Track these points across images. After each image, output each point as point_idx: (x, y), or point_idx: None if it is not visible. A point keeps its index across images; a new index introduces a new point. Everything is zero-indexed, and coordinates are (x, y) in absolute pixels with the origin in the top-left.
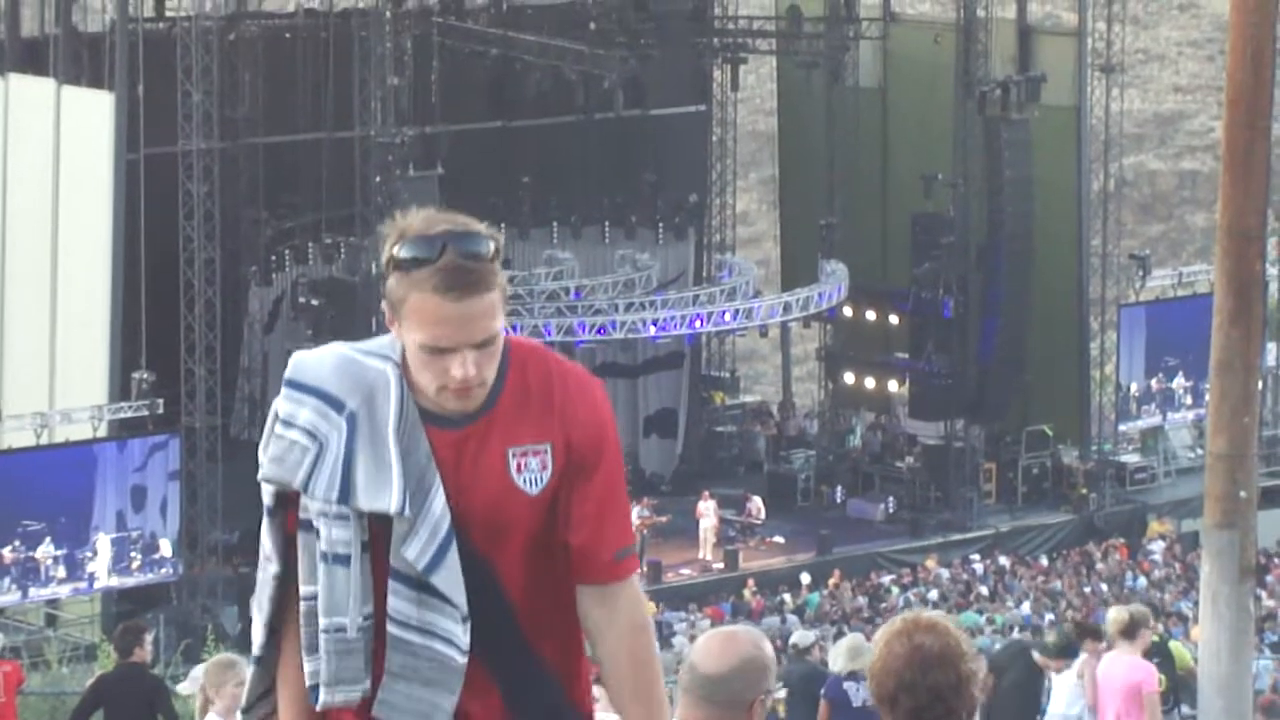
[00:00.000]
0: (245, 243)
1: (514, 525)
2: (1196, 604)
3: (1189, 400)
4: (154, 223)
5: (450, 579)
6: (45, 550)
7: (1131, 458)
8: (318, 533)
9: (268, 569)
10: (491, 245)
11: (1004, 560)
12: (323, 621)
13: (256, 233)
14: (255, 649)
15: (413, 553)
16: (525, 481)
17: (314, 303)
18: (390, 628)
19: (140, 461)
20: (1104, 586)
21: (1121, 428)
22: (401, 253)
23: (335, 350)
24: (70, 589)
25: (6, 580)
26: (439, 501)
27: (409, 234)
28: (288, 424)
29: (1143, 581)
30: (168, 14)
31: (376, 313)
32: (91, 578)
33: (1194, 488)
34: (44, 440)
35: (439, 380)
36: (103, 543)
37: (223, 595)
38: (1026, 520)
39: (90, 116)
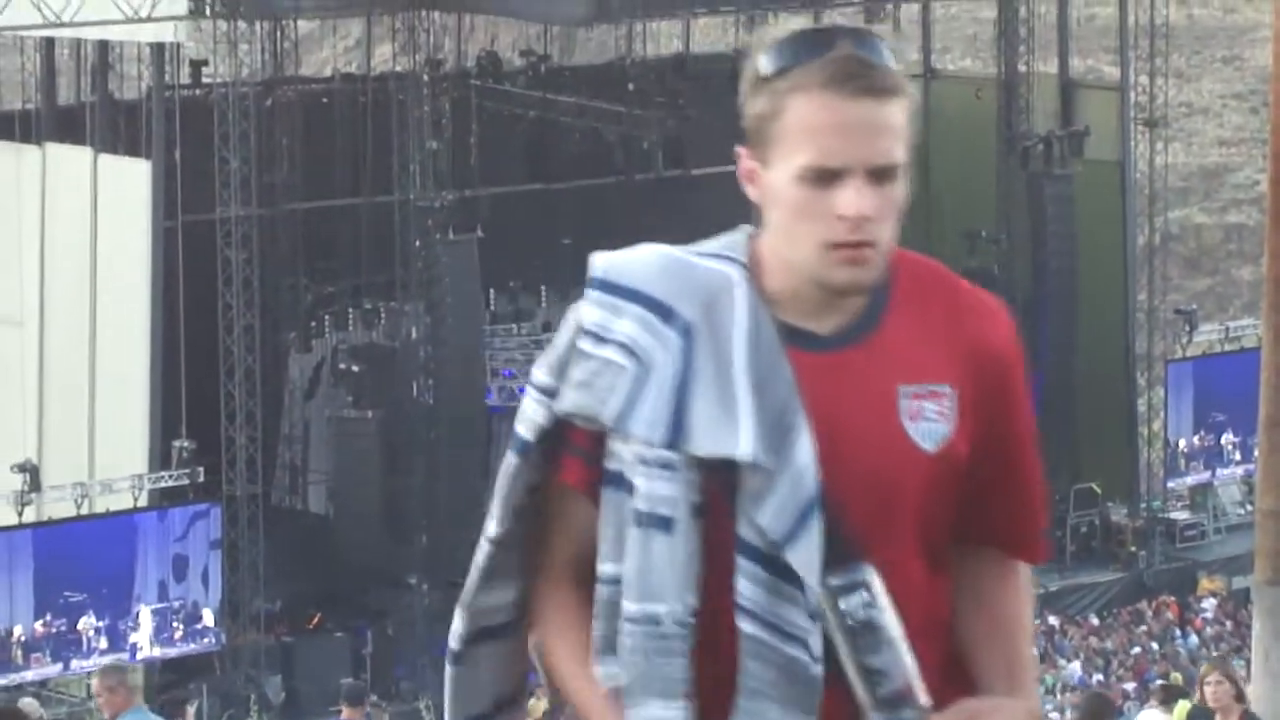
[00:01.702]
0: (285, 309)
1: (903, 494)
2: (1249, 662)
3: (1238, 456)
4: (192, 290)
5: (808, 557)
6: (87, 621)
7: (1181, 515)
8: (631, 488)
9: (488, 531)
10: (894, 55)
11: (1053, 620)
12: (630, 608)
13: (296, 299)
14: (454, 642)
15: (767, 516)
16: (921, 434)
17: (355, 369)
18: (742, 623)
19: (181, 531)
20: (1155, 645)
21: (1170, 484)
22: (772, 60)
23: (655, 248)
24: (112, 660)
25: (48, 652)
26: (804, 449)
27: (779, 38)
28: (599, 337)
29: (1194, 640)
30: (204, 80)
31: (418, 378)
32: (134, 648)
33: (1244, 544)
34: (84, 510)
35: (822, 231)
36: (145, 613)
37: (266, 665)
38: (1075, 579)
39: (127, 184)
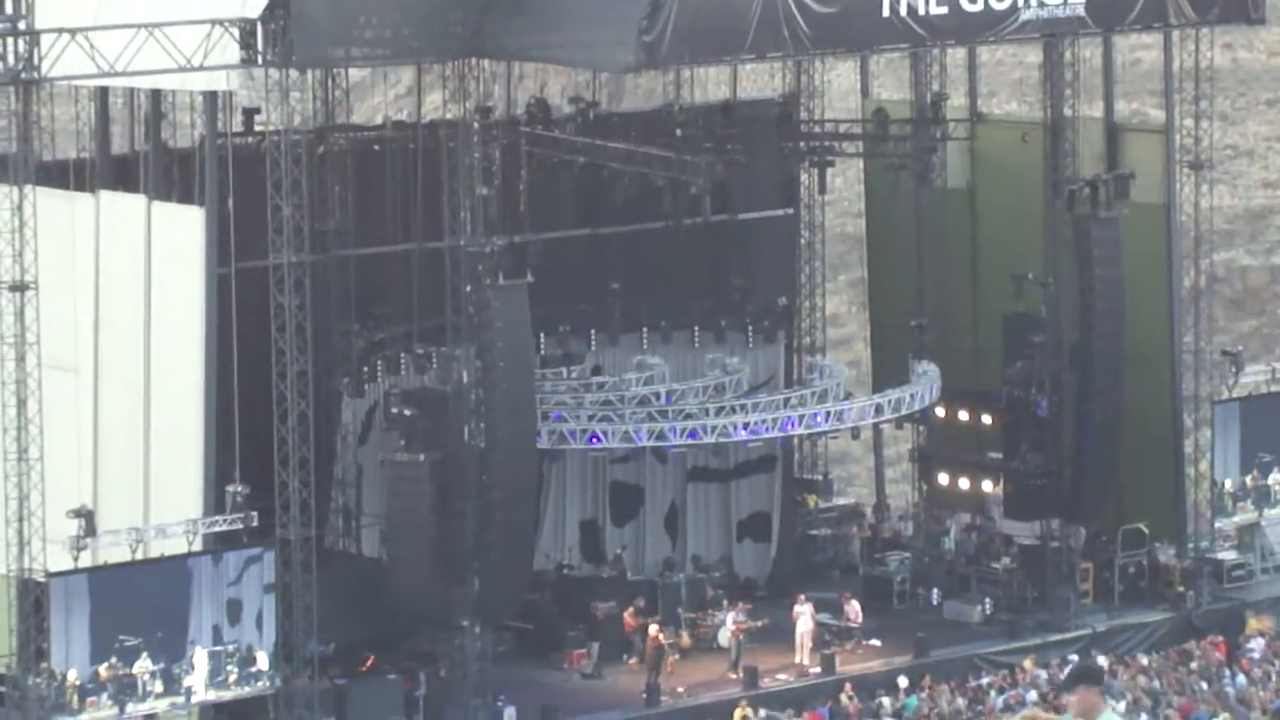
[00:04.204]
0: (337, 354)
1: None
2: None
3: None
4: (246, 336)
5: None
6: (142, 665)
7: (1228, 555)
8: None
9: None
10: None
11: (1102, 660)
12: None
13: (348, 344)
14: None
15: None
16: None
17: (407, 413)
18: None
19: (235, 575)
20: (1203, 684)
21: (1217, 525)
22: None
23: None
24: (168, 703)
25: (104, 695)
26: None
27: None
28: None
29: (1242, 679)
30: (256, 128)
31: (469, 422)
32: (189, 691)
33: None
34: (139, 555)
35: None
36: (199, 656)
37: (319, 707)
38: (1124, 619)
39: (181, 232)
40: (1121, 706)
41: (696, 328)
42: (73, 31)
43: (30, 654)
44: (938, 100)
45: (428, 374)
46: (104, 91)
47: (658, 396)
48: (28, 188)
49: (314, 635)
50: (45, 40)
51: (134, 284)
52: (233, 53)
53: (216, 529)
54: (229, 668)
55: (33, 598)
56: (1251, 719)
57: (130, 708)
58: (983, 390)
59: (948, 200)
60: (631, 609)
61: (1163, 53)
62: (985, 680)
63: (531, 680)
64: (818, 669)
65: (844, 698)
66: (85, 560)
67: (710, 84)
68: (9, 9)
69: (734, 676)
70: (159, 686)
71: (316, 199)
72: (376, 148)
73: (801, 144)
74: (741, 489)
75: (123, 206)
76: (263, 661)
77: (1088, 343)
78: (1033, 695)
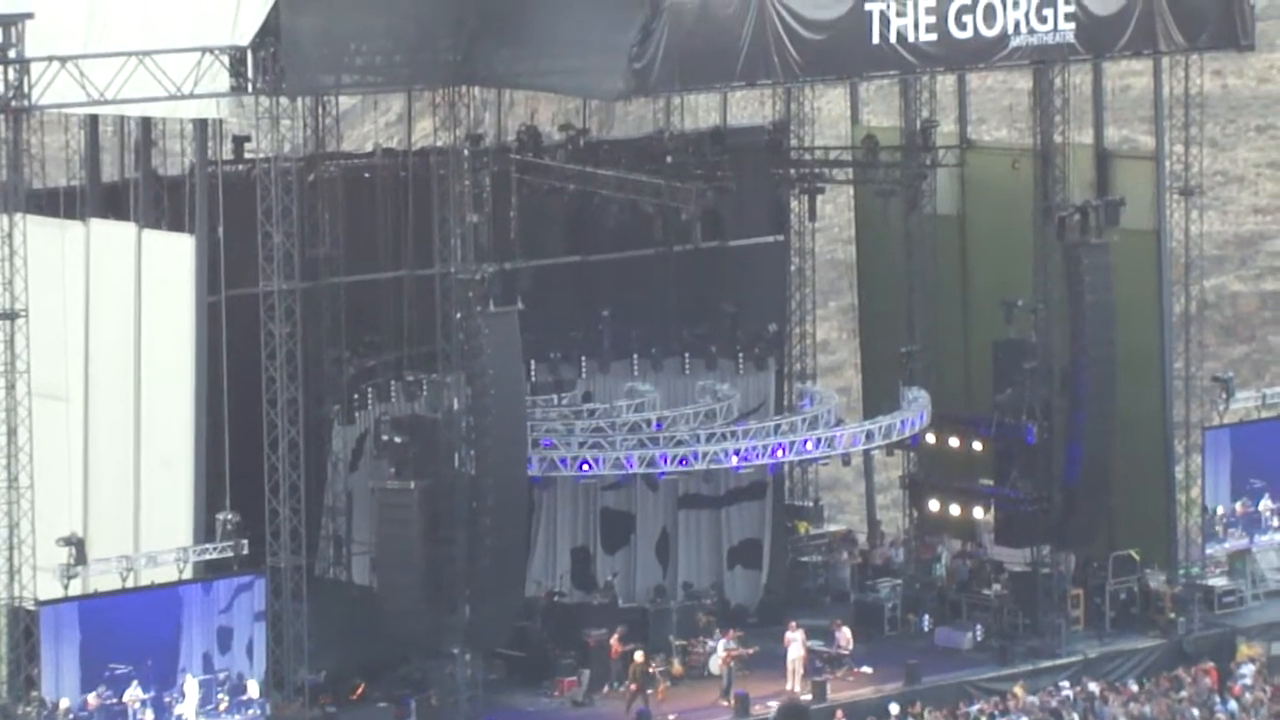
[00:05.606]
0: (328, 382)
1: None
2: None
3: (1276, 522)
4: (236, 364)
5: None
6: (133, 693)
7: (1219, 581)
8: None
9: None
10: None
11: (1093, 686)
12: None
13: (339, 371)
14: None
15: None
16: None
17: (397, 440)
18: None
19: (226, 603)
20: (1195, 711)
21: (1208, 551)
22: None
23: None
24: None
25: None
26: None
27: None
28: None
29: (1233, 705)
30: (247, 156)
31: (459, 449)
32: None
33: None
34: (130, 583)
35: None
36: (190, 685)
37: None
38: (1115, 645)
39: (171, 259)
40: None
41: (687, 354)
42: (63, 59)
43: (20, 683)
44: (928, 127)
45: (418, 401)
46: (94, 119)
47: (648, 423)
48: (18, 216)
49: (305, 663)
50: (35, 68)
51: (124, 312)
52: (223, 80)
53: (207, 557)
54: (219, 696)
55: (23, 626)
56: None
57: None
58: (973, 416)
59: (938, 227)
60: (616, 636)
61: (1153, 79)
62: (976, 707)
63: (522, 708)
64: (809, 696)
65: None
66: (75, 588)
67: (700, 111)
68: None
69: (725, 704)
70: (149, 715)
71: (307, 226)
72: (367, 175)
73: (792, 171)
74: (732, 516)
75: (113, 234)
76: (253, 690)
77: (1078, 369)
78: None
